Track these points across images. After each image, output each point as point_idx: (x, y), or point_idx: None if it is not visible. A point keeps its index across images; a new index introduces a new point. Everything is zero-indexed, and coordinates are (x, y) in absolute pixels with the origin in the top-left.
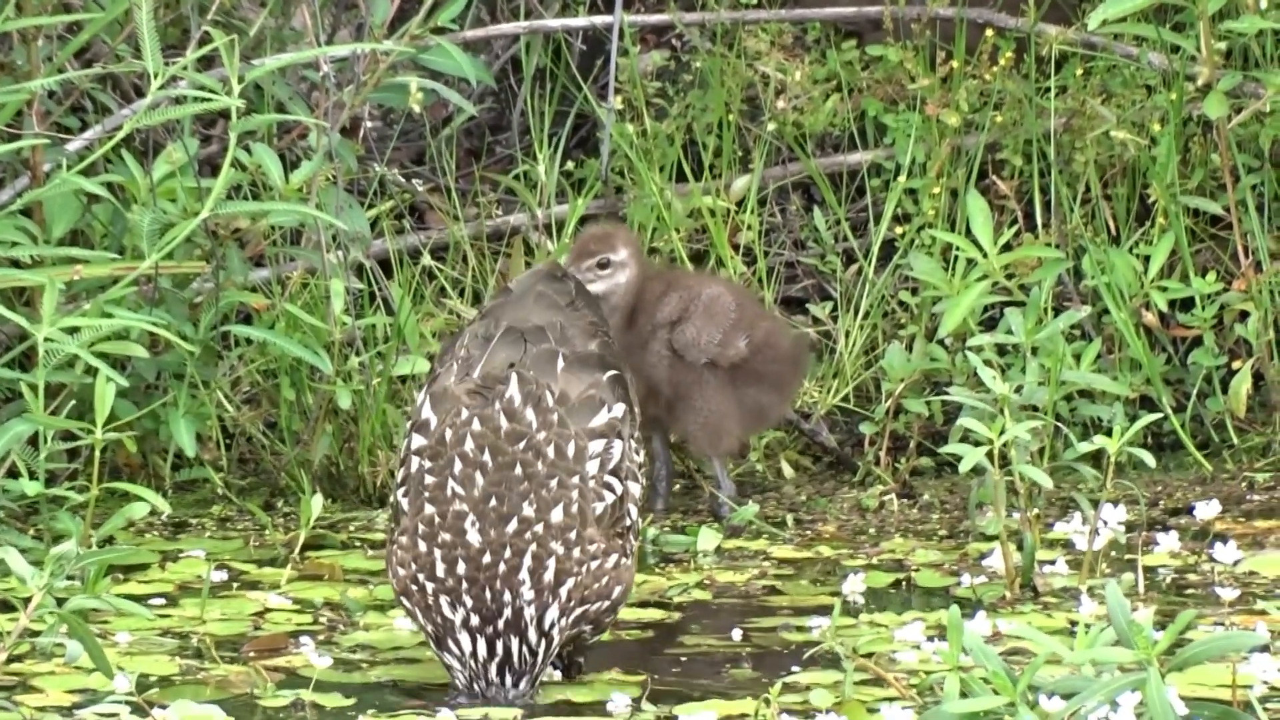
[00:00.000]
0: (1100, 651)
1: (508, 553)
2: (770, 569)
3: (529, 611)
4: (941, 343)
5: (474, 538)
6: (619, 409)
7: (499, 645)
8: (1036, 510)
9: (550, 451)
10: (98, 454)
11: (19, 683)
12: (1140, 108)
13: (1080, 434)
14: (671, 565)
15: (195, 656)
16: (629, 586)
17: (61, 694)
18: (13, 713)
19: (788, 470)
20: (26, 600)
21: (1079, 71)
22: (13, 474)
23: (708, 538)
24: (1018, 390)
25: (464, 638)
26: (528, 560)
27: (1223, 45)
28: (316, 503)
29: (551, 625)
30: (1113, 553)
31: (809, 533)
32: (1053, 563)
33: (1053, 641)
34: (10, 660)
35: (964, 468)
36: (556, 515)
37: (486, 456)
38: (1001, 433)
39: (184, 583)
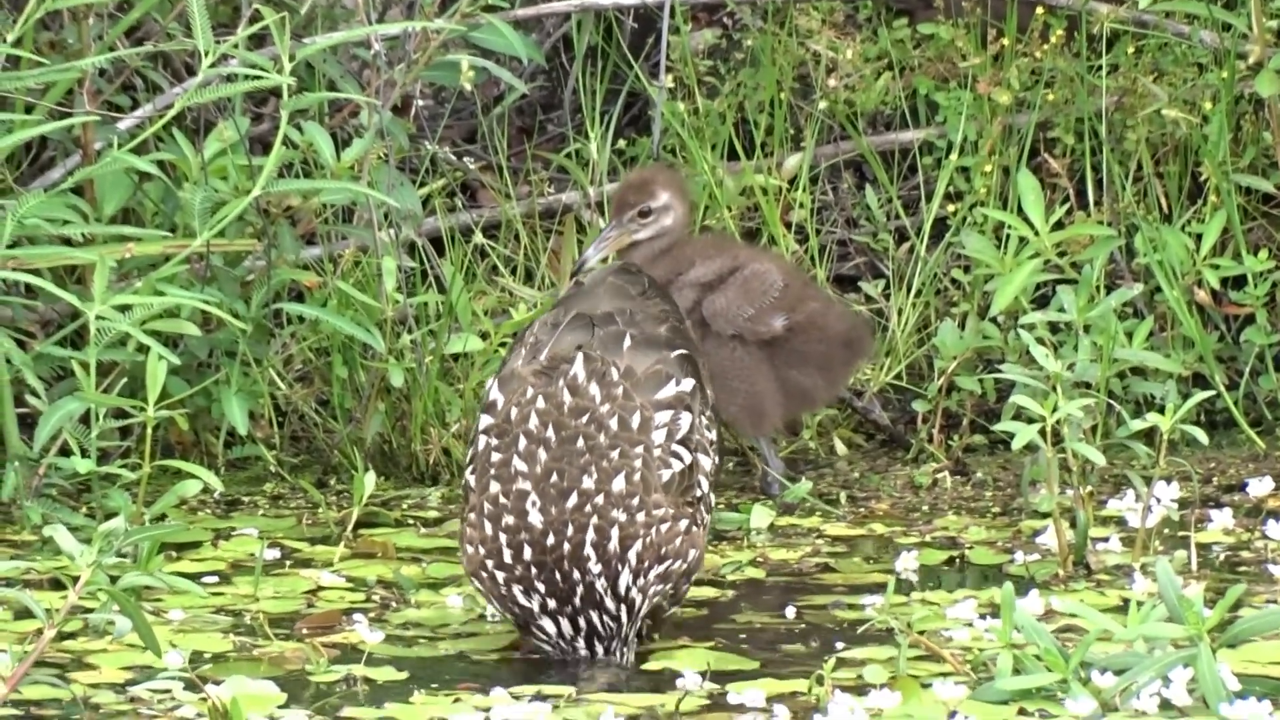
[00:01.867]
0: (1151, 627)
1: (570, 530)
2: (823, 546)
3: (600, 584)
4: (994, 320)
5: (535, 519)
6: (688, 383)
7: (581, 621)
8: (1089, 487)
9: (613, 423)
10: (150, 432)
11: (72, 660)
12: (1192, 86)
13: (1132, 412)
14: (724, 543)
15: (248, 634)
16: (703, 554)
17: (115, 671)
18: (64, 689)
19: (841, 448)
20: (78, 578)
21: (1130, 49)
22: (65, 452)
23: (761, 515)
24: (1070, 368)
25: (546, 623)
26: (590, 535)
27: (1274, 23)
28: (369, 480)
29: (627, 589)
30: (1165, 530)
31: (862, 510)
32: (1106, 540)
33: (1104, 618)
34: (63, 638)
35: (1017, 445)
36: (618, 484)
37: (550, 432)
38: (1054, 410)
39: (236, 560)
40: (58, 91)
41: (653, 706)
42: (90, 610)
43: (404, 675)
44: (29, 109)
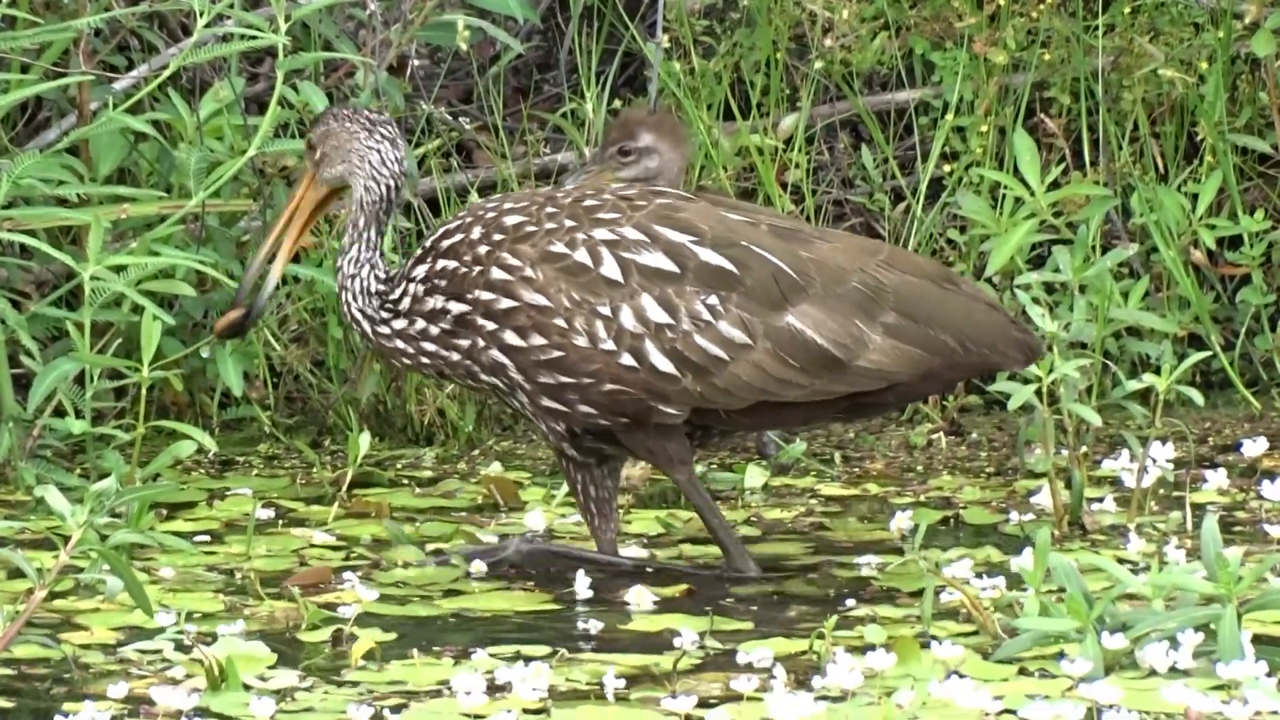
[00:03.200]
0: (1180, 579)
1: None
2: (817, 506)
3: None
4: (990, 280)
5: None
6: (709, 255)
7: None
8: (1085, 448)
9: (592, 200)
10: (144, 392)
11: (63, 620)
12: (1188, 46)
13: (1128, 372)
14: (719, 502)
15: (240, 593)
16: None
17: (106, 631)
18: (54, 649)
19: None
20: (70, 538)
21: (1127, 9)
22: (60, 413)
23: (755, 475)
24: (1066, 328)
25: None
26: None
27: None
28: (364, 441)
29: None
30: (1161, 490)
31: (856, 470)
32: (1101, 500)
33: (1123, 572)
34: (54, 597)
35: (1013, 405)
36: (511, 219)
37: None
38: (1050, 370)
39: (231, 520)
40: (54, 52)
41: (649, 666)
42: (83, 570)
43: (391, 636)
44: (25, 69)
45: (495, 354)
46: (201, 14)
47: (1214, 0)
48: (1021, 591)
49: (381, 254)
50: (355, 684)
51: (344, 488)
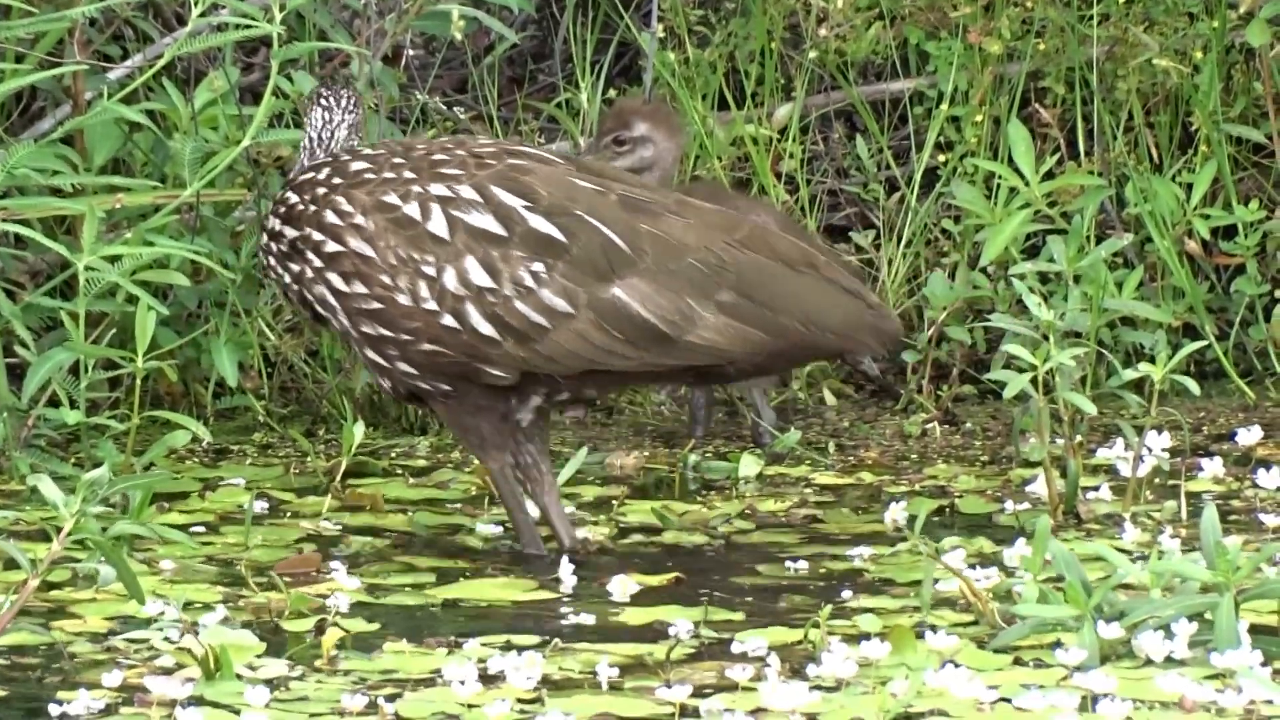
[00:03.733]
0: (1180, 567)
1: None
2: (811, 496)
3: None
4: (984, 270)
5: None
6: (543, 224)
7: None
8: (1080, 437)
9: (453, 152)
10: (139, 382)
11: (56, 609)
12: (1183, 35)
13: (1122, 361)
14: (713, 492)
15: (237, 584)
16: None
17: (100, 620)
18: (45, 635)
19: (829, 398)
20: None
21: None
22: (54, 403)
23: (749, 464)
24: (1061, 317)
25: None
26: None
27: None
28: (358, 430)
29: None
30: (1156, 479)
31: (851, 459)
32: (1096, 489)
33: (1122, 559)
34: (50, 588)
35: (1008, 394)
36: (357, 164)
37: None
38: (1046, 359)
39: (225, 511)
40: (48, 41)
41: (643, 655)
42: (78, 560)
43: (375, 626)
44: (19, 59)
45: (323, 291)
46: (196, 3)
47: None
48: (1018, 579)
49: None
50: (347, 673)
51: (338, 477)
